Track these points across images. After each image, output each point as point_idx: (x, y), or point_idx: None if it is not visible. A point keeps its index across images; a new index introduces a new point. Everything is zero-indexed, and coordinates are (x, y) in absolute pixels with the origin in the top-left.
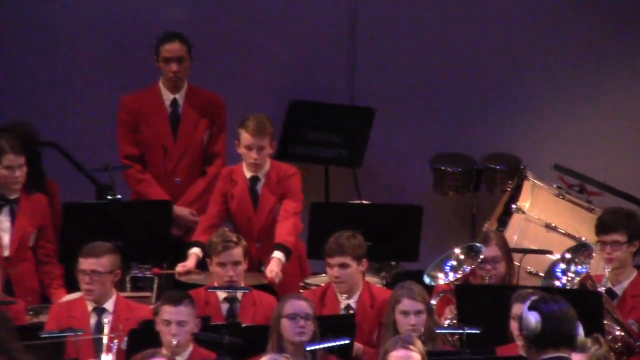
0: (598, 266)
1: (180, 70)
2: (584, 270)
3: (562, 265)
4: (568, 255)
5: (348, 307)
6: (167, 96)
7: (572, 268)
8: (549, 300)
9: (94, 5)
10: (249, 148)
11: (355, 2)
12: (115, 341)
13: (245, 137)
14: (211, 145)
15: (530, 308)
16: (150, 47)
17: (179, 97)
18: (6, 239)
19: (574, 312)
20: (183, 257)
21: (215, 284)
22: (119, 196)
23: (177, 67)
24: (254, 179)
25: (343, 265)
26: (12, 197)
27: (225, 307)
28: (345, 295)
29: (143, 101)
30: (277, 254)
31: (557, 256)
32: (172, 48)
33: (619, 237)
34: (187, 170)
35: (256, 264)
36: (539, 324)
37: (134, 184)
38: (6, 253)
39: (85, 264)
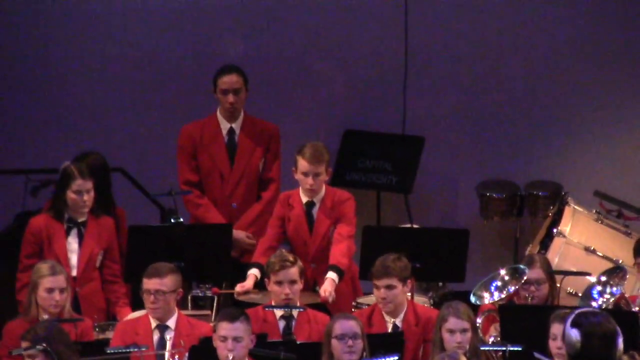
0: (635, 287)
1: (236, 101)
2: (618, 291)
3: (599, 287)
4: (603, 278)
5: (395, 326)
6: (225, 125)
7: (608, 290)
8: (590, 315)
9: (157, 38)
10: (305, 174)
11: (409, 36)
12: (177, 357)
13: (302, 163)
14: (266, 172)
15: (572, 325)
16: (209, 79)
17: (236, 126)
18: (74, 259)
19: (615, 325)
20: (240, 278)
21: (273, 303)
22: (181, 219)
23: (234, 98)
24: (310, 204)
25: (389, 287)
26: (81, 220)
27: (281, 324)
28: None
29: (202, 130)
30: (331, 275)
31: (593, 278)
32: (230, 80)
33: None
34: (243, 196)
35: (311, 284)
36: (578, 342)
37: (192, 208)
38: (74, 273)
39: (150, 283)
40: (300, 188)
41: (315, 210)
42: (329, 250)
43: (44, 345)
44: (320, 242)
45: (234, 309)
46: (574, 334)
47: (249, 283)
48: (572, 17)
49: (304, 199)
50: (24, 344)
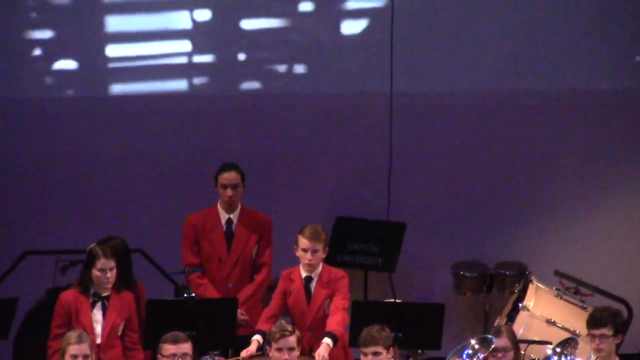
0: (590, 355)
1: (234, 194)
2: (570, 358)
3: (555, 358)
4: (558, 349)
5: None
6: (224, 215)
7: (563, 359)
8: None
9: (168, 137)
10: (304, 250)
11: (393, 139)
12: None
13: (303, 241)
14: (259, 257)
15: None
16: (212, 172)
17: (233, 216)
18: (98, 328)
19: None
20: (236, 348)
21: None
22: (193, 294)
23: (232, 192)
24: (308, 279)
25: (375, 354)
26: (104, 294)
27: None
28: None
29: (204, 219)
30: (327, 340)
31: (549, 350)
32: (229, 177)
33: (606, 332)
34: (238, 277)
35: (307, 350)
36: None
37: (194, 287)
38: (98, 341)
39: (168, 349)
40: (300, 265)
41: (313, 285)
42: (324, 320)
43: None
44: (316, 313)
45: None
46: None
47: (252, 348)
48: (531, 121)
49: (304, 274)
50: None
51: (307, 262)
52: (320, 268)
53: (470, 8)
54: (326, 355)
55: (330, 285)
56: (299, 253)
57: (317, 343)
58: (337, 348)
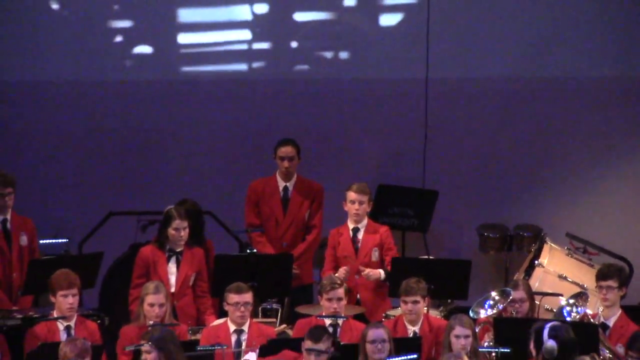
0: (596, 305)
1: (290, 166)
2: (582, 310)
3: (568, 308)
4: (571, 301)
5: (414, 332)
6: (281, 184)
7: (574, 309)
8: (560, 329)
9: (236, 117)
10: (352, 202)
11: (429, 112)
12: (250, 354)
13: (350, 194)
14: (310, 220)
15: (550, 337)
16: (272, 145)
17: (289, 185)
18: (173, 279)
19: (574, 335)
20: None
21: (324, 314)
22: (255, 250)
23: (289, 164)
24: (355, 230)
25: (415, 302)
26: (178, 250)
27: (330, 330)
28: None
29: (264, 186)
30: (381, 271)
31: (563, 300)
32: (286, 150)
33: (613, 283)
34: (292, 237)
35: (355, 294)
36: (555, 350)
37: (254, 244)
38: (173, 290)
39: (232, 298)
40: (347, 221)
41: (360, 234)
42: (371, 265)
43: (158, 343)
44: (362, 260)
45: (320, 330)
46: (551, 343)
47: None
48: (547, 104)
49: (351, 226)
50: (143, 342)
51: (354, 212)
52: (365, 220)
53: (493, 6)
54: (369, 273)
55: (376, 236)
56: (347, 206)
57: (363, 289)
58: (381, 298)
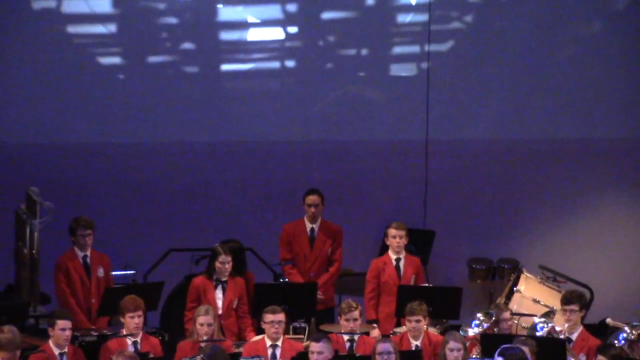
0: (563, 324)
1: (316, 211)
2: (549, 324)
3: (540, 324)
4: (542, 318)
5: (416, 346)
6: (308, 226)
7: (545, 325)
8: (510, 349)
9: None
10: (394, 237)
11: (428, 169)
12: None
13: (391, 231)
14: (332, 255)
15: (499, 355)
16: (301, 194)
17: (315, 226)
18: (219, 303)
19: (526, 356)
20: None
21: (342, 331)
22: (287, 280)
23: (315, 209)
24: (397, 259)
25: (418, 321)
26: (223, 279)
27: (347, 345)
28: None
29: (294, 228)
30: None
31: (536, 319)
32: (312, 198)
33: (574, 307)
34: (317, 269)
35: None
36: None
37: (287, 275)
38: (220, 312)
39: (268, 317)
40: (387, 253)
41: (402, 263)
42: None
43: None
44: (405, 282)
45: (320, 334)
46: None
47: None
48: (522, 164)
49: (394, 257)
50: (197, 357)
51: (395, 245)
52: (403, 252)
53: (489, 74)
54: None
55: (414, 264)
56: (389, 241)
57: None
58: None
